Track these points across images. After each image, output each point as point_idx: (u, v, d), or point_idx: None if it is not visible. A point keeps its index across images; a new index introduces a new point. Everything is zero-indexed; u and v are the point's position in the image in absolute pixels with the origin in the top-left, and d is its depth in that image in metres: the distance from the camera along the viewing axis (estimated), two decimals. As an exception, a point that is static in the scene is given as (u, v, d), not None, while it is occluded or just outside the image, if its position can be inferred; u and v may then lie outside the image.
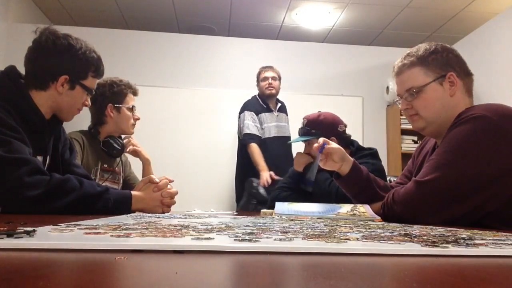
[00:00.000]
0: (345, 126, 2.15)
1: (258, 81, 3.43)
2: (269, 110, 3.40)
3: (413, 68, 1.29)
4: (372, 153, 2.11)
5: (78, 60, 1.38)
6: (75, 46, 1.37)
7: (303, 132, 2.15)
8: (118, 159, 2.23)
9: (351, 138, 2.18)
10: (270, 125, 3.34)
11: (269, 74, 3.37)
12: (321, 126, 2.09)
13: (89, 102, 1.48)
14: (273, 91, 3.35)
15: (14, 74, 1.33)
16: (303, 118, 2.18)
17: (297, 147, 2.75)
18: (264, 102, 3.42)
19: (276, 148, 3.24)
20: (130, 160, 2.43)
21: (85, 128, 2.16)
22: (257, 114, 3.37)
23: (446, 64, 1.27)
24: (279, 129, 3.35)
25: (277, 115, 3.39)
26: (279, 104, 3.47)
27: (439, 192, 1.13)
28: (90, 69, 1.42)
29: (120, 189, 2.28)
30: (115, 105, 2.10)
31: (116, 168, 2.19)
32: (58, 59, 1.35)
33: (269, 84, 3.34)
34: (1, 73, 1.33)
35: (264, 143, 3.28)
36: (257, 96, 3.48)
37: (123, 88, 2.13)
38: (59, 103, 1.38)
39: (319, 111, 2.20)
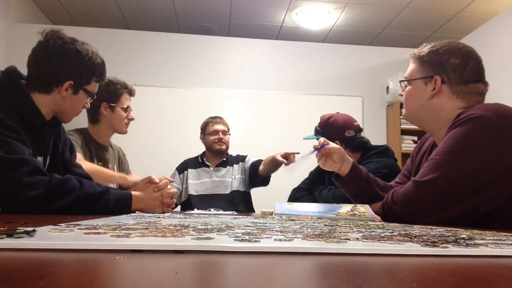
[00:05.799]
0: (357, 131, 2.10)
1: (204, 133, 2.87)
2: (203, 164, 2.85)
3: (415, 61, 1.34)
4: (380, 151, 2.07)
5: (84, 67, 1.38)
6: (82, 52, 1.37)
7: (315, 131, 2.18)
8: (112, 158, 2.24)
9: (364, 142, 2.14)
10: (196, 182, 2.78)
11: (219, 127, 2.83)
12: (328, 128, 2.11)
13: (89, 104, 1.49)
14: (223, 147, 2.81)
15: (14, 75, 1.32)
16: (320, 117, 2.21)
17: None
18: (202, 157, 2.90)
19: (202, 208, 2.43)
20: (131, 162, 2.43)
21: (78, 126, 2.17)
22: (182, 172, 2.84)
23: (440, 67, 1.27)
24: (213, 186, 2.77)
25: (215, 170, 2.82)
26: (223, 159, 2.88)
27: (438, 192, 1.13)
28: (94, 74, 1.42)
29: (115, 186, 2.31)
30: (110, 104, 2.12)
31: (110, 166, 2.21)
32: (65, 64, 1.35)
33: (219, 139, 2.79)
34: (1, 73, 1.32)
35: (188, 202, 2.70)
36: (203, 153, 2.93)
37: (119, 88, 2.15)
38: (61, 107, 1.38)
39: (337, 112, 2.20)
